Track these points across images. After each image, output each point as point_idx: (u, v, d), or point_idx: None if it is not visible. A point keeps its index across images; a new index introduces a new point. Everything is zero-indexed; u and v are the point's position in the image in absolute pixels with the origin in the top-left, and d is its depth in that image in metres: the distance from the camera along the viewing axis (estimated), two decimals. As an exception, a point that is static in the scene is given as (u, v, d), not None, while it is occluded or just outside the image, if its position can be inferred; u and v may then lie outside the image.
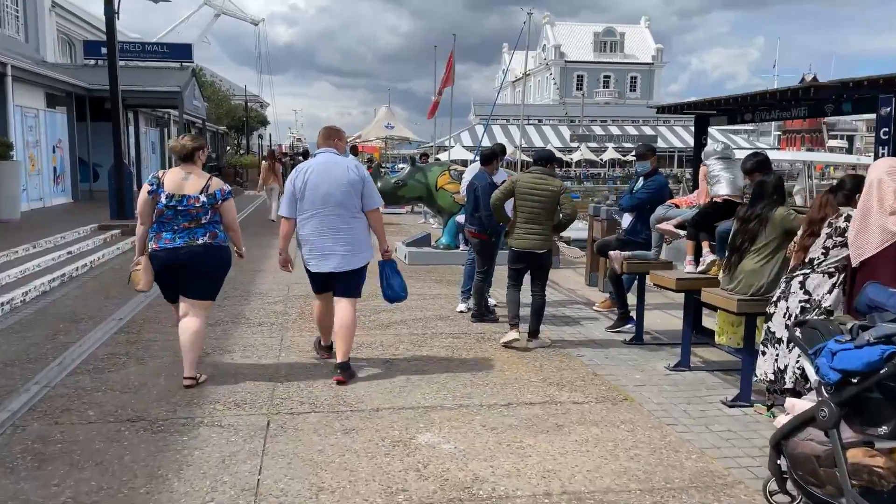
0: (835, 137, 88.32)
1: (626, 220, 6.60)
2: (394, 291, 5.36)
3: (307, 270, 5.23)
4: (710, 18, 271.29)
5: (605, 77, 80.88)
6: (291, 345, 6.08)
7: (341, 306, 5.14)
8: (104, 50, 21.31)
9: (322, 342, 5.59)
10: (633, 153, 6.57)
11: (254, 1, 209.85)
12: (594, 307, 7.92)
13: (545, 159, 6.28)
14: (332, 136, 5.28)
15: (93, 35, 25.34)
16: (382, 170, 12.05)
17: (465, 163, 16.40)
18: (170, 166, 5.45)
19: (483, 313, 7.11)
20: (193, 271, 4.79)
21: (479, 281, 7.05)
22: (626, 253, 6.25)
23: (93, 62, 20.54)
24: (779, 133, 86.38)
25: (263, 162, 17.53)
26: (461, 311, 7.53)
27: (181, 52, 20.77)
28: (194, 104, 21.04)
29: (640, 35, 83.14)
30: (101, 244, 11.25)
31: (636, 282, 6.52)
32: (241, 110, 44.98)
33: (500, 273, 7.39)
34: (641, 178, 6.50)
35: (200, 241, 4.73)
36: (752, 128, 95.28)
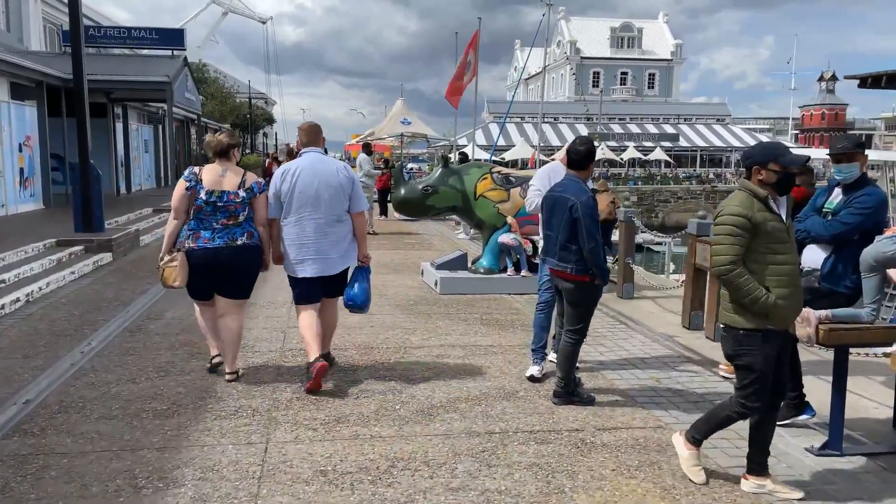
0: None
1: (813, 255, 4.19)
2: (362, 300, 5.10)
3: (291, 277, 5.04)
4: (719, 18, 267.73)
5: (623, 74, 78.12)
6: (280, 464, 3.71)
7: (326, 304, 5.16)
8: (90, 33, 19.26)
9: (310, 358, 4.97)
10: (829, 150, 4.12)
11: (261, 1, 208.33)
12: (720, 371, 5.53)
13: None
14: (319, 133, 5.13)
15: (85, 22, 23.07)
16: (407, 174, 9.54)
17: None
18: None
19: (571, 391, 4.74)
20: (231, 272, 4.83)
21: (569, 345, 4.68)
22: (823, 312, 3.84)
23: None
24: (796, 132, 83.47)
25: (278, 160, 15.59)
26: (532, 378, 5.16)
27: (172, 38, 18.39)
28: (186, 97, 18.69)
29: (659, 30, 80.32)
30: (52, 267, 8.92)
31: (834, 357, 4.09)
32: (246, 107, 42.76)
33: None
34: (838, 190, 4.10)
35: (240, 242, 4.77)
36: (767, 126, 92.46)
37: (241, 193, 4.75)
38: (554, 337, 5.48)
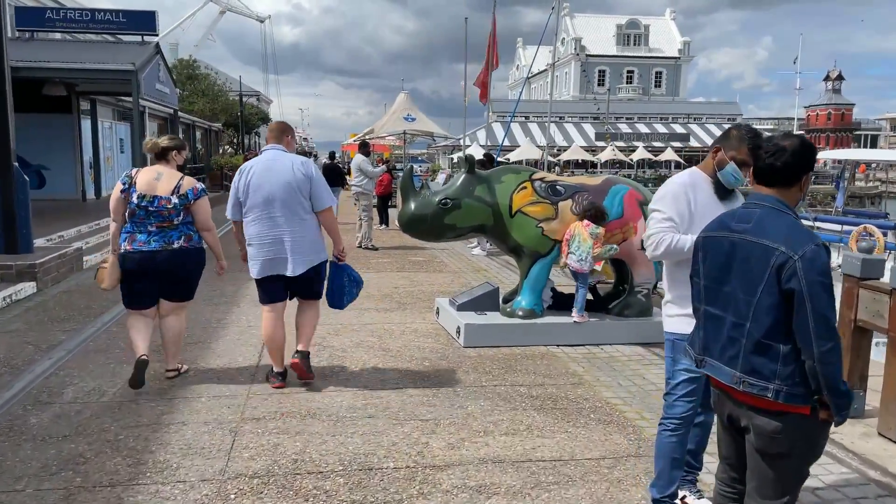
0: (858, 138, 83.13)
1: None
2: (348, 298, 5.07)
3: (255, 279, 4.86)
4: (716, 18, 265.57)
5: (629, 72, 75.82)
6: None
7: (304, 307, 4.99)
8: (47, 16, 16.93)
9: (274, 368, 4.91)
10: None
11: (258, 1, 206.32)
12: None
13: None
14: (284, 132, 4.91)
15: (52, 6, 20.75)
16: (420, 180, 7.01)
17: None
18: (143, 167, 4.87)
19: None
20: (171, 276, 4.77)
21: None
22: None
23: (27, 35, 15.90)
24: (802, 132, 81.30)
25: None
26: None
27: (142, 21, 16.03)
28: (158, 89, 16.38)
29: (666, 28, 78.04)
30: (-60, 306, 6.63)
31: None
32: (239, 106, 40.37)
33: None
34: None
35: (176, 245, 4.69)
36: (772, 127, 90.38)
37: (174, 199, 4.66)
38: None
